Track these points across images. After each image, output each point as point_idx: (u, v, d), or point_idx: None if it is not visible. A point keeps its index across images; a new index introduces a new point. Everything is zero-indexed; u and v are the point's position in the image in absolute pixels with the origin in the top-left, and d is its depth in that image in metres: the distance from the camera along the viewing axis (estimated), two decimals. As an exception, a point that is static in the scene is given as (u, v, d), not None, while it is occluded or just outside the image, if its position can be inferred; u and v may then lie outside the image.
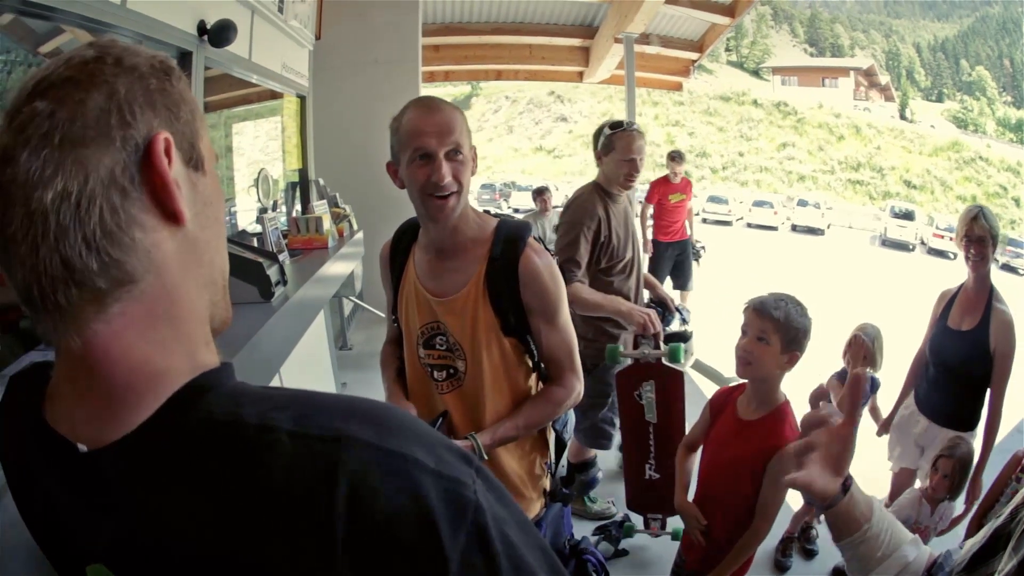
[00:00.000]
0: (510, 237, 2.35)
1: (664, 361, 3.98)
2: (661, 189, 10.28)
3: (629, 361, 4.09)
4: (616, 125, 4.32)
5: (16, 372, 0.93)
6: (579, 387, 2.55)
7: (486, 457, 2.33)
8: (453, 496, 0.74)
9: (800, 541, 4.66)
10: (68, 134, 0.70)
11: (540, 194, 10.63)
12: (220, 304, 0.93)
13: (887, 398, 4.64)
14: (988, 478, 3.87)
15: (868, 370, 4.31)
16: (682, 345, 3.97)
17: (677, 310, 4.76)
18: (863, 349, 4.25)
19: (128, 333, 0.76)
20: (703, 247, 11.71)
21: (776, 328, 2.82)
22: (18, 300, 0.76)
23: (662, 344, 4.05)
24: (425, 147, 2.15)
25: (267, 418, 0.74)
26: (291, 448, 0.72)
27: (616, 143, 4.22)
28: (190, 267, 0.83)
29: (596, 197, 4.31)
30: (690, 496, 3.27)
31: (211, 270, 0.89)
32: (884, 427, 4.54)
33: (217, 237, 0.91)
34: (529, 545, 0.80)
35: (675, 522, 4.47)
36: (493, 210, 2.71)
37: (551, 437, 2.73)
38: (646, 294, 4.78)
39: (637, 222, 4.55)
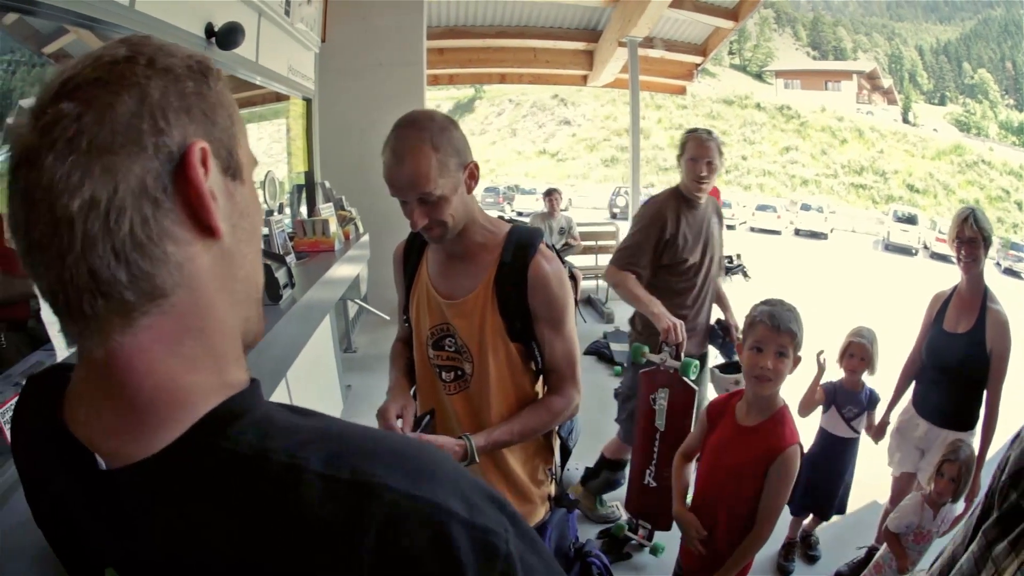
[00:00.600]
0: (521, 243, 2.35)
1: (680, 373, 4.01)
2: None
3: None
4: (692, 130, 4.46)
5: (34, 373, 0.90)
6: (577, 398, 2.54)
7: (477, 459, 2.32)
8: (483, 545, 0.73)
9: (802, 547, 4.66)
10: (96, 140, 0.67)
11: (549, 195, 10.62)
12: (253, 319, 0.89)
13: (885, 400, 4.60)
14: (986, 477, 3.88)
15: (864, 374, 4.32)
16: (695, 361, 3.99)
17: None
18: (863, 352, 4.23)
19: (155, 348, 0.73)
20: (737, 259, 11.46)
21: (792, 340, 2.84)
22: (44, 302, 0.73)
23: (682, 356, 4.06)
24: (397, 196, 2.18)
25: (296, 456, 0.72)
26: (320, 490, 0.70)
27: (686, 145, 4.37)
28: (224, 282, 0.80)
29: (671, 199, 4.46)
30: (688, 504, 3.28)
31: (246, 285, 0.86)
32: (880, 432, 4.51)
33: (253, 250, 0.87)
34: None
35: (659, 537, 4.54)
36: (506, 215, 2.71)
37: (556, 443, 2.74)
38: (716, 314, 4.81)
39: (717, 233, 4.65)
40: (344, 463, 0.72)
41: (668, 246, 4.38)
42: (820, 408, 4.43)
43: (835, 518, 4.65)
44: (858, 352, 4.24)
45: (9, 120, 2.70)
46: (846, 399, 4.33)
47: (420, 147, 2.11)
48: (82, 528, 0.80)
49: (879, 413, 4.45)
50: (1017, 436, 1.41)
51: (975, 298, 4.00)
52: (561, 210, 10.70)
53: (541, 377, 2.58)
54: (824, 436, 4.44)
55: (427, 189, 2.11)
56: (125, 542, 0.75)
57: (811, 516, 4.65)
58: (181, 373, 0.75)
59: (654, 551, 4.53)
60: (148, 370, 0.73)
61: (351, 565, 0.69)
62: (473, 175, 2.26)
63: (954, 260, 4.10)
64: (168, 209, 0.71)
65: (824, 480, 4.36)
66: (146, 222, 0.69)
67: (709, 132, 4.38)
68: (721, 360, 4.73)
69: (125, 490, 0.74)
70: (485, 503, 0.77)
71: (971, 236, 3.87)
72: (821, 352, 4.23)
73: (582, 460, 4.78)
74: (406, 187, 2.13)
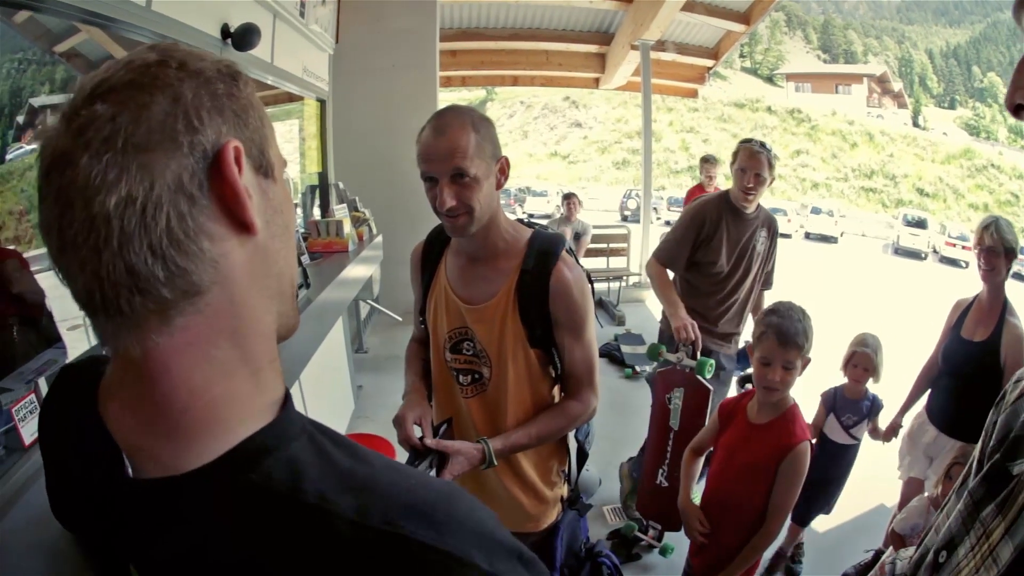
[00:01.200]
0: (543, 250, 2.35)
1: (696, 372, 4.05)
2: (695, 196, 9.97)
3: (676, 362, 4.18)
4: (746, 140, 4.51)
5: (68, 363, 0.93)
6: (595, 403, 2.55)
7: (495, 463, 2.35)
8: None
9: (789, 558, 4.68)
10: (132, 138, 0.68)
11: (567, 199, 10.66)
12: (288, 313, 0.91)
13: (895, 405, 4.58)
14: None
15: (869, 382, 4.30)
16: (711, 360, 4.03)
17: None
18: (867, 362, 4.21)
19: (190, 350, 0.75)
20: None
21: (799, 353, 2.89)
22: (75, 300, 0.74)
23: (698, 355, 4.11)
24: (428, 172, 2.17)
25: (327, 500, 0.74)
26: (349, 537, 0.72)
27: (738, 155, 4.44)
28: (258, 278, 0.82)
29: (717, 202, 4.57)
30: (697, 502, 3.31)
31: (280, 281, 0.87)
32: (889, 433, 4.51)
33: (287, 246, 0.89)
34: None
35: (669, 538, 4.60)
36: (521, 218, 2.71)
37: (572, 446, 2.74)
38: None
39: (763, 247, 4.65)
40: (374, 512, 0.74)
41: (702, 246, 4.47)
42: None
43: (842, 519, 4.64)
44: (862, 362, 4.22)
45: (19, 119, 2.72)
46: (845, 406, 4.32)
47: (462, 124, 2.15)
48: (108, 520, 0.82)
49: (893, 414, 4.45)
50: (1002, 399, 1.43)
51: (994, 308, 4.00)
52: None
53: (558, 384, 2.58)
54: (823, 440, 4.43)
55: (463, 164, 2.12)
56: (146, 545, 0.77)
57: (791, 531, 4.64)
58: (216, 381, 0.77)
59: (663, 552, 4.56)
60: (184, 376, 0.75)
61: None
62: (504, 170, 2.29)
63: (970, 265, 4.12)
64: (204, 206, 0.73)
65: (818, 483, 4.28)
66: (182, 218, 0.71)
67: (763, 144, 4.40)
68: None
69: (150, 501, 0.75)
70: (504, 553, 0.79)
71: (990, 245, 3.86)
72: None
73: (592, 462, 4.79)
74: (443, 159, 2.13)
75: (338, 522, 0.72)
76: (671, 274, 4.66)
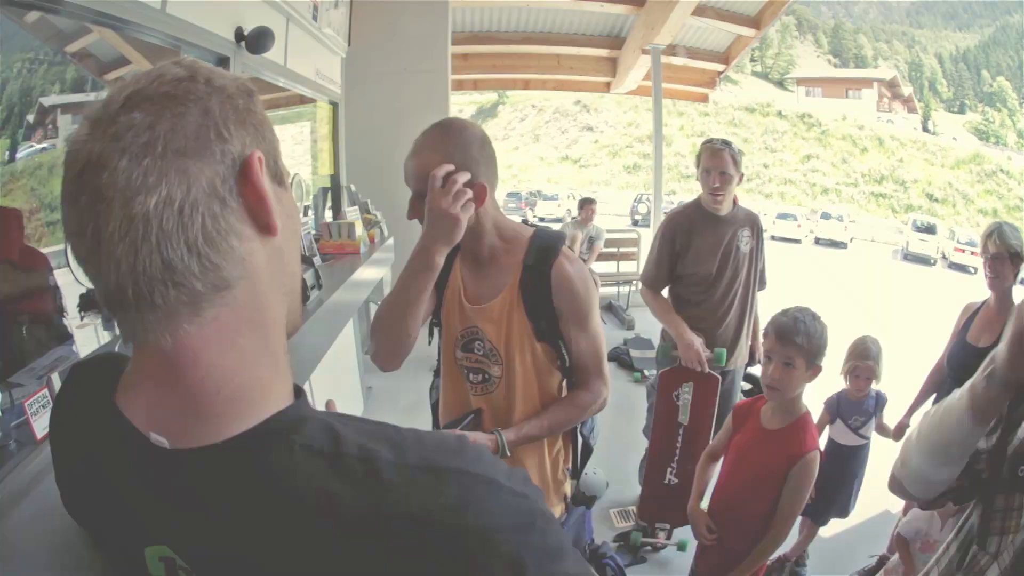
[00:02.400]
0: (543, 246, 2.41)
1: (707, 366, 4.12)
2: None
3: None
4: (707, 140, 4.43)
5: (81, 360, 0.98)
6: (605, 392, 2.59)
7: (508, 453, 2.40)
8: (525, 507, 0.84)
9: (792, 564, 4.66)
10: (170, 145, 0.74)
11: (585, 205, 10.72)
12: (294, 311, 0.98)
13: (899, 407, 4.57)
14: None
15: (872, 383, 4.29)
16: (724, 350, 4.13)
17: None
18: (869, 373, 4.20)
19: (219, 339, 0.81)
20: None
21: (800, 352, 2.91)
22: (101, 297, 0.79)
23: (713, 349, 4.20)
24: (406, 184, 2.33)
25: (367, 450, 0.80)
26: (395, 475, 0.78)
27: (701, 156, 4.37)
28: (276, 275, 0.88)
29: (688, 210, 4.52)
30: (705, 505, 3.35)
31: (292, 279, 0.95)
32: (898, 433, 4.46)
33: (295, 248, 0.97)
34: (565, 538, 0.89)
35: (681, 533, 4.59)
36: (529, 220, 2.74)
37: (578, 442, 2.77)
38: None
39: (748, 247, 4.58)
40: (409, 452, 0.82)
41: (680, 257, 4.43)
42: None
43: (847, 525, 4.64)
44: (864, 373, 4.21)
45: (29, 118, 2.75)
46: (851, 409, 4.31)
47: (435, 149, 2.24)
48: (130, 509, 0.86)
49: (899, 415, 4.45)
50: None
51: (1001, 315, 3.95)
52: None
53: (565, 377, 2.61)
54: (833, 446, 4.42)
55: (422, 188, 2.22)
56: (185, 520, 0.81)
57: (805, 533, 4.63)
58: (243, 368, 0.83)
59: (680, 547, 4.58)
60: (213, 363, 0.81)
61: (434, 533, 0.76)
62: (480, 196, 2.29)
63: (979, 271, 4.07)
64: (233, 208, 0.80)
65: (833, 486, 4.28)
66: (215, 219, 0.77)
67: (724, 141, 4.34)
68: None
69: (191, 471, 0.80)
70: (514, 473, 0.88)
71: (995, 252, 3.83)
72: None
73: (601, 464, 4.78)
74: (410, 178, 2.29)
75: (381, 464, 0.79)
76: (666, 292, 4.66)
